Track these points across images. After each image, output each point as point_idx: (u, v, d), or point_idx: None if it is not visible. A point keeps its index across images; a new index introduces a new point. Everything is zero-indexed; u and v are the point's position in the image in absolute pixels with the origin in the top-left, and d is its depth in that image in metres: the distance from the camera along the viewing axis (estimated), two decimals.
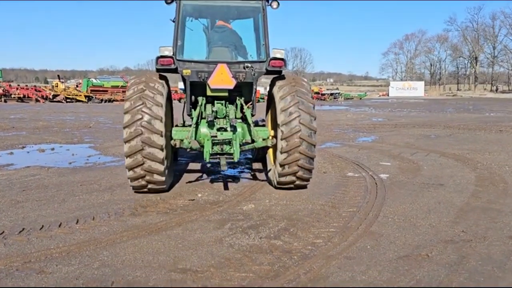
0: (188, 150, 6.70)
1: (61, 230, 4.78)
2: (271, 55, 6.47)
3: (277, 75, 6.74)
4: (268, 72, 6.61)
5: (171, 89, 7.18)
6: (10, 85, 48.26)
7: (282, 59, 6.39)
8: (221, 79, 6.29)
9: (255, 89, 6.80)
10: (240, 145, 6.51)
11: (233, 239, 4.55)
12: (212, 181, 7.33)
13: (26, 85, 53.55)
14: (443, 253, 4.14)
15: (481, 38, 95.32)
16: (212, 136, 6.34)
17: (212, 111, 6.62)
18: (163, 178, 6.02)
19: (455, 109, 34.73)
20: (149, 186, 6.07)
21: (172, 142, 6.19)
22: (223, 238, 4.57)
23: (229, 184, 7.06)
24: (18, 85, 50.67)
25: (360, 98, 67.40)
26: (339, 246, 4.30)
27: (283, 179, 6.31)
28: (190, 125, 6.74)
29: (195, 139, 6.67)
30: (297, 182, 6.36)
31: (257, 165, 8.81)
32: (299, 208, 5.71)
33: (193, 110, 6.90)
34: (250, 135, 6.72)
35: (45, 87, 56.34)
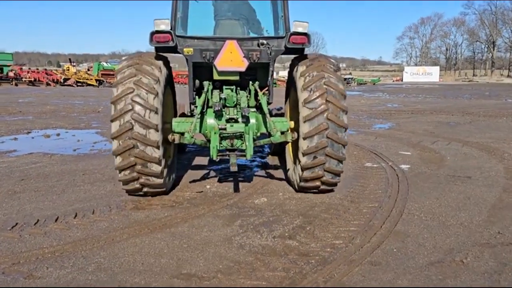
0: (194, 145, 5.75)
1: (57, 226, 4.40)
2: (292, 30, 5.35)
3: (299, 55, 5.73)
4: (287, 51, 5.56)
5: (181, 73, 6.25)
6: (21, 69, 48.18)
7: (305, 34, 5.27)
8: (231, 59, 5.33)
9: (272, 71, 5.72)
10: (254, 140, 5.55)
11: (244, 238, 4.13)
12: (221, 171, 6.91)
13: (37, 69, 53.45)
14: (480, 259, 3.66)
15: (499, 21, 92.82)
16: (220, 129, 5.41)
17: (220, 98, 5.64)
18: (161, 180, 5.14)
19: (472, 95, 33.77)
20: (145, 189, 5.22)
21: (170, 137, 4.94)
22: (233, 237, 4.15)
23: (240, 175, 6.63)
24: (29, 69, 50.55)
25: (374, 83, 66.30)
26: (361, 249, 3.85)
27: (305, 184, 5.36)
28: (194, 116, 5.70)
29: (200, 132, 5.77)
30: (323, 187, 5.41)
31: (270, 157, 8.36)
32: (315, 202, 5.26)
33: (197, 97, 5.92)
34: (266, 127, 5.77)
35: (56, 70, 56.33)
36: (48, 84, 43.35)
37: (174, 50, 5.51)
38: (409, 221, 4.60)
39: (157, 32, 5.16)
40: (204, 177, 6.49)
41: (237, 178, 6.38)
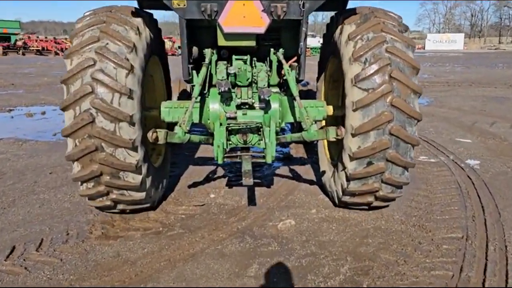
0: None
1: None
2: None
3: (340, 10, 4.04)
4: (328, 3, 3.69)
5: None
6: (29, 37, 46.59)
7: None
8: (243, 15, 3.58)
9: (305, 33, 3.81)
10: (277, 134, 3.89)
11: None
12: (232, 169, 5.26)
13: (46, 37, 51.80)
14: None
15: None
16: (228, 118, 3.84)
17: (228, 74, 3.92)
18: (142, 194, 3.59)
19: (503, 64, 31.09)
20: (120, 206, 3.67)
21: (150, 135, 2.93)
22: None
23: (255, 177, 4.97)
24: (37, 37, 48.93)
25: None
26: None
27: (351, 199, 3.75)
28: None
29: (201, 122, 4.11)
30: (376, 204, 3.76)
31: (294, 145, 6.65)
32: (365, 228, 3.60)
33: (195, 72, 4.19)
34: (294, 115, 4.09)
35: (65, 39, 54.63)
36: (56, 53, 41.73)
37: (158, 3, 3.63)
38: None
39: None
40: (208, 179, 4.87)
41: (252, 183, 4.72)
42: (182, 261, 3.05)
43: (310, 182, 4.72)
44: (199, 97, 3.94)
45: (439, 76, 20.31)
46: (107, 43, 3.24)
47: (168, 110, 4.06)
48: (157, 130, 3.05)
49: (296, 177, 4.92)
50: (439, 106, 10.55)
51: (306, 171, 5.16)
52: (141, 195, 3.59)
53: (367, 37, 3.38)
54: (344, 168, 3.56)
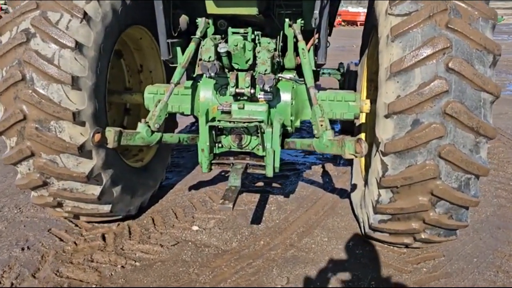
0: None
1: None
2: None
3: None
4: None
5: None
6: None
7: None
8: None
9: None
10: (288, 136, 2.99)
11: None
12: (244, 185, 3.95)
13: None
14: None
15: None
16: (222, 112, 2.87)
17: (220, 54, 2.69)
18: (107, 207, 2.87)
19: None
20: (84, 218, 3.08)
21: (94, 138, 2.23)
22: None
23: (262, 197, 3.62)
24: None
25: None
26: None
27: (381, 236, 2.70)
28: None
29: (192, 113, 3.12)
30: (416, 245, 2.71)
31: None
32: None
33: (179, 49, 3.10)
34: (313, 111, 2.80)
35: None
36: None
37: None
38: None
39: None
40: (204, 196, 3.62)
41: (258, 209, 3.39)
42: None
43: (341, 213, 3.28)
44: (190, 82, 3.07)
45: None
46: (44, 11, 2.43)
47: (153, 96, 3.16)
48: (107, 129, 2.33)
49: (325, 201, 3.51)
50: None
51: (343, 191, 3.72)
52: (105, 208, 2.85)
53: (414, 13, 2.17)
54: (370, 193, 2.38)
